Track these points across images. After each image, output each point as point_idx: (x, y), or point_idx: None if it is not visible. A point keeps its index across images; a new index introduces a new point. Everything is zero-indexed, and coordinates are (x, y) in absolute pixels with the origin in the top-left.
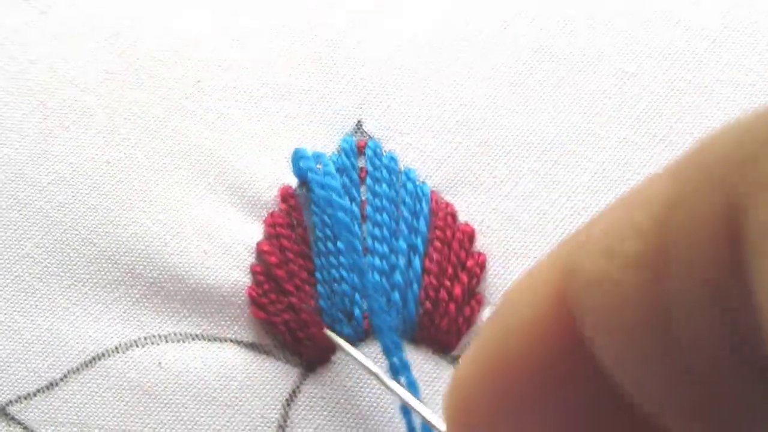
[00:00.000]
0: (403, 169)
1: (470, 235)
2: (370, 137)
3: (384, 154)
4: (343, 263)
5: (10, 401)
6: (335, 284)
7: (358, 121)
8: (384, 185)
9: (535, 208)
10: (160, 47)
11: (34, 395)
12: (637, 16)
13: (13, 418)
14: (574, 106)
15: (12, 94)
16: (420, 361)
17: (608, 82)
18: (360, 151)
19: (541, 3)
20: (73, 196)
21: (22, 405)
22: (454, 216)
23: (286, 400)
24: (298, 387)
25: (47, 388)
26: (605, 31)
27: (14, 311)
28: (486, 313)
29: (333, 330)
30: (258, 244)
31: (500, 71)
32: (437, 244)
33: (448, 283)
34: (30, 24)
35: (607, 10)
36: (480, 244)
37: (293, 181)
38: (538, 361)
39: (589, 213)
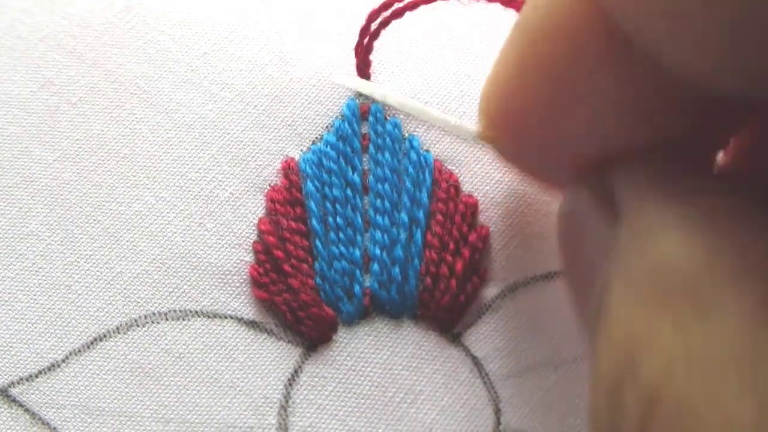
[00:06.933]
0: (407, 136)
1: (473, 208)
2: (373, 101)
3: (387, 119)
4: (342, 239)
5: (12, 383)
6: (335, 261)
7: None
8: (387, 154)
9: None
10: (169, 21)
11: (36, 377)
12: None
13: (14, 400)
14: None
15: (20, 72)
16: (420, 338)
17: None
18: (363, 115)
19: None
20: (78, 174)
21: (24, 387)
22: (457, 187)
23: (288, 380)
24: (300, 367)
25: (49, 369)
26: None
27: (18, 290)
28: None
29: (333, 308)
30: (259, 221)
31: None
32: (439, 217)
33: (449, 258)
34: (38, 2)
35: None
36: (484, 216)
37: (296, 153)
38: (568, 47)
39: None
